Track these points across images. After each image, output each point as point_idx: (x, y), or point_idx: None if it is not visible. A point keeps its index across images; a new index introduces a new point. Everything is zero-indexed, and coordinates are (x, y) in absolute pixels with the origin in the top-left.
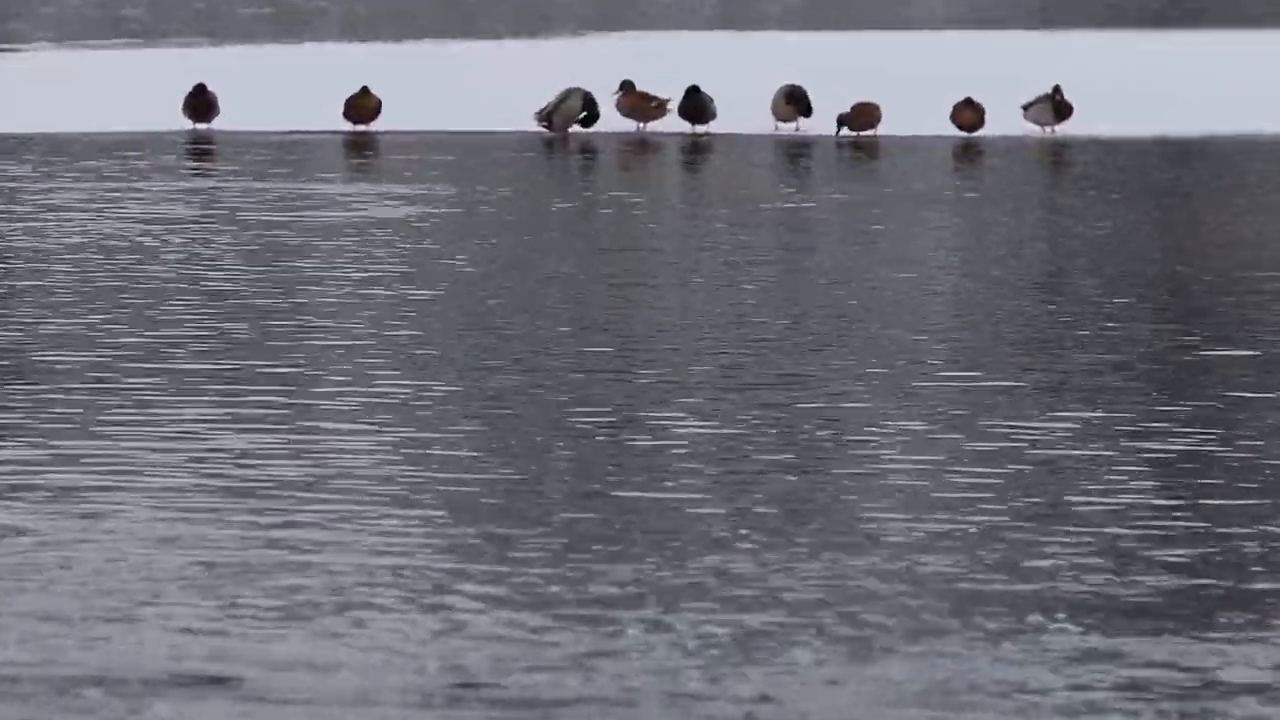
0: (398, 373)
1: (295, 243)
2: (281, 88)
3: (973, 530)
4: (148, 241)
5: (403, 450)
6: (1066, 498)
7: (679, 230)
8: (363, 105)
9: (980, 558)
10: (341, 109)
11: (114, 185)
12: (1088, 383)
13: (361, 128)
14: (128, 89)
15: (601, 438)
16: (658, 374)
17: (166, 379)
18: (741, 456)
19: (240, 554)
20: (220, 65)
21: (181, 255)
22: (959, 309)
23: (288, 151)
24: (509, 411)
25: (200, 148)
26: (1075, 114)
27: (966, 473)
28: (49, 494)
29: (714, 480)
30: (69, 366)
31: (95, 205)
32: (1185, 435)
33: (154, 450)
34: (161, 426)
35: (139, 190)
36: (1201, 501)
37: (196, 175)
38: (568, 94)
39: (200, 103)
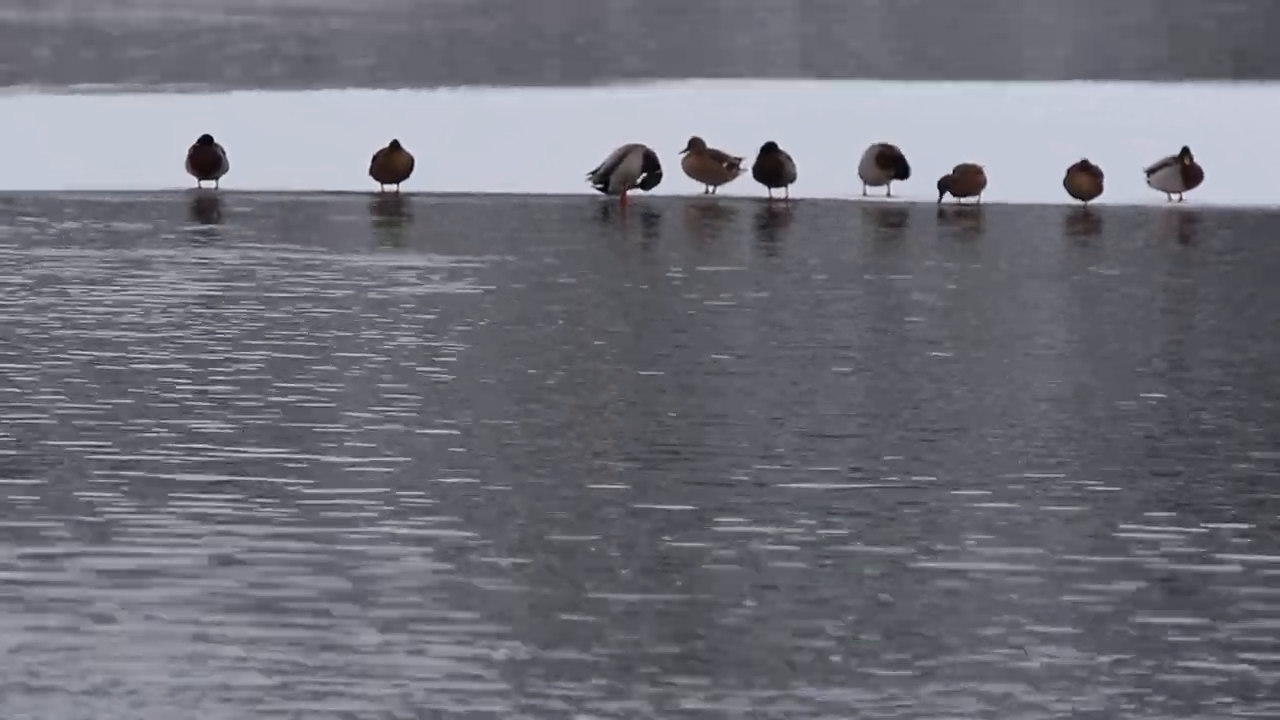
0: (426, 478)
1: (319, 321)
2: (297, 141)
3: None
4: (155, 320)
5: (442, 559)
6: (1199, 620)
7: (750, 318)
8: (393, 162)
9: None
10: (368, 166)
11: (116, 256)
12: (1205, 492)
13: (390, 188)
14: (125, 141)
15: (665, 546)
16: (735, 492)
17: (184, 469)
18: (828, 569)
19: (270, 677)
20: (227, 114)
21: (194, 335)
22: (1071, 413)
23: (305, 215)
24: (560, 516)
25: (207, 210)
26: (1206, 179)
27: (1093, 592)
28: (54, 600)
29: (809, 600)
30: (77, 458)
31: (98, 279)
32: None
33: (172, 547)
34: (178, 522)
35: (142, 262)
36: None
37: (205, 243)
38: (626, 151)
39: (206, 158)
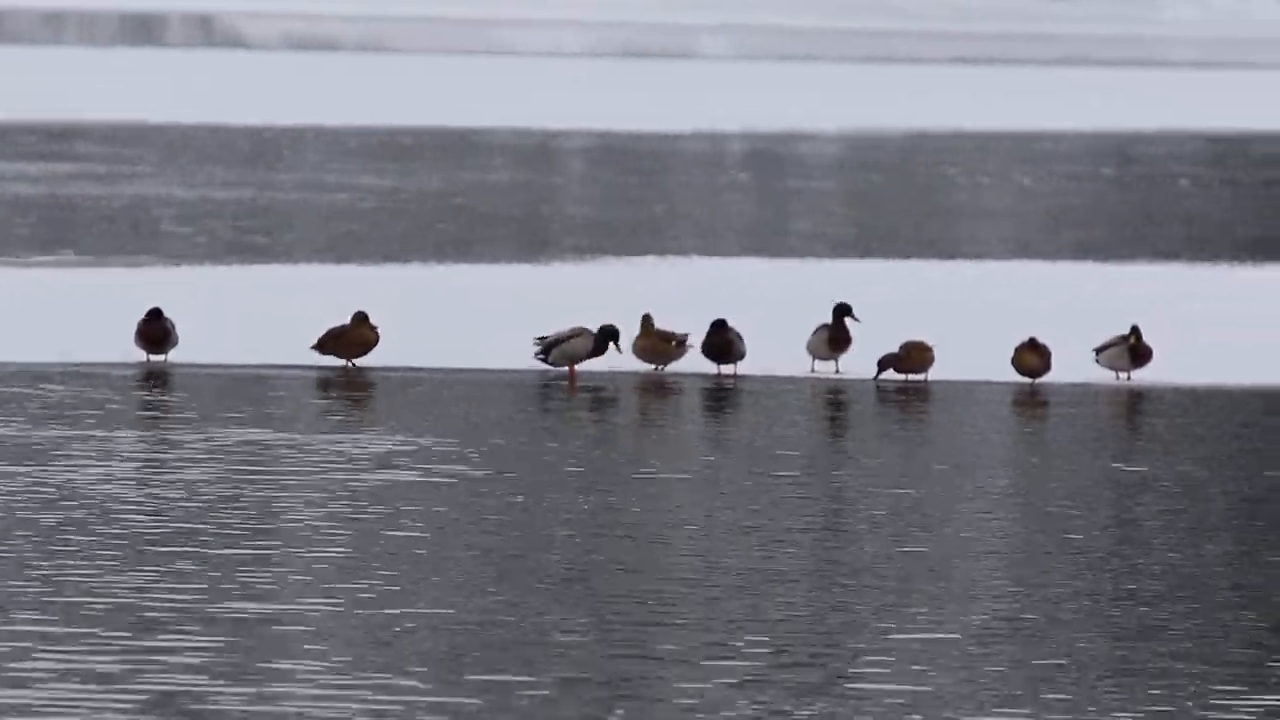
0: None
1: (263, 508)
2: (247, 314)
3: None
4: (99, 498)
5: None
6: None
7: (687, 510)
8: (358, 336)
9: None
10: (321, 340)
11: (57, 433)
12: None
13: (348, 361)
14: (68, 314)
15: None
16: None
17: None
18: None
19: None
20: (176, 286)
21: (133, 518)
22: (1007, 603)
23: (255, 389)
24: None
25: (156, 384)
26: (1156, 358)
27: None
28: None
29: None
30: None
31: (34, 457)
32: None
33: None
34: None
35: (85, 439)
36: None
37: (152, 421)
38: (579, 333)
39: (154, 331)
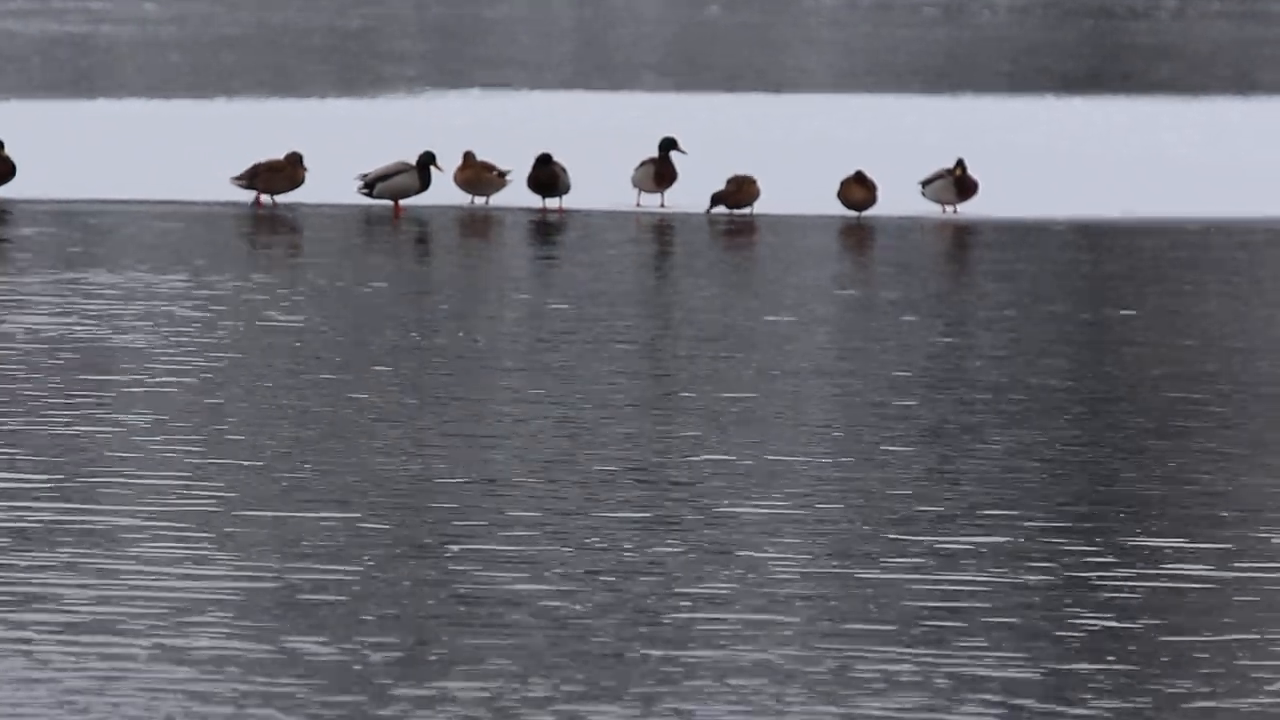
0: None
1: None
2: (79, 149)
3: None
4: None
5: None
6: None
7: (508, 333)
8: (292, 175)
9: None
10: (249, 171)
11: None
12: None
13: (273, 198)
14: None
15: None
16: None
17: None
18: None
19: None
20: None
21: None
22: (831, 422)
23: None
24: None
25: None
26: (980, 191)
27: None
28: None
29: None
30: None
31: None
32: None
33: None
34: None
35: None
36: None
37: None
38: (402, 169)
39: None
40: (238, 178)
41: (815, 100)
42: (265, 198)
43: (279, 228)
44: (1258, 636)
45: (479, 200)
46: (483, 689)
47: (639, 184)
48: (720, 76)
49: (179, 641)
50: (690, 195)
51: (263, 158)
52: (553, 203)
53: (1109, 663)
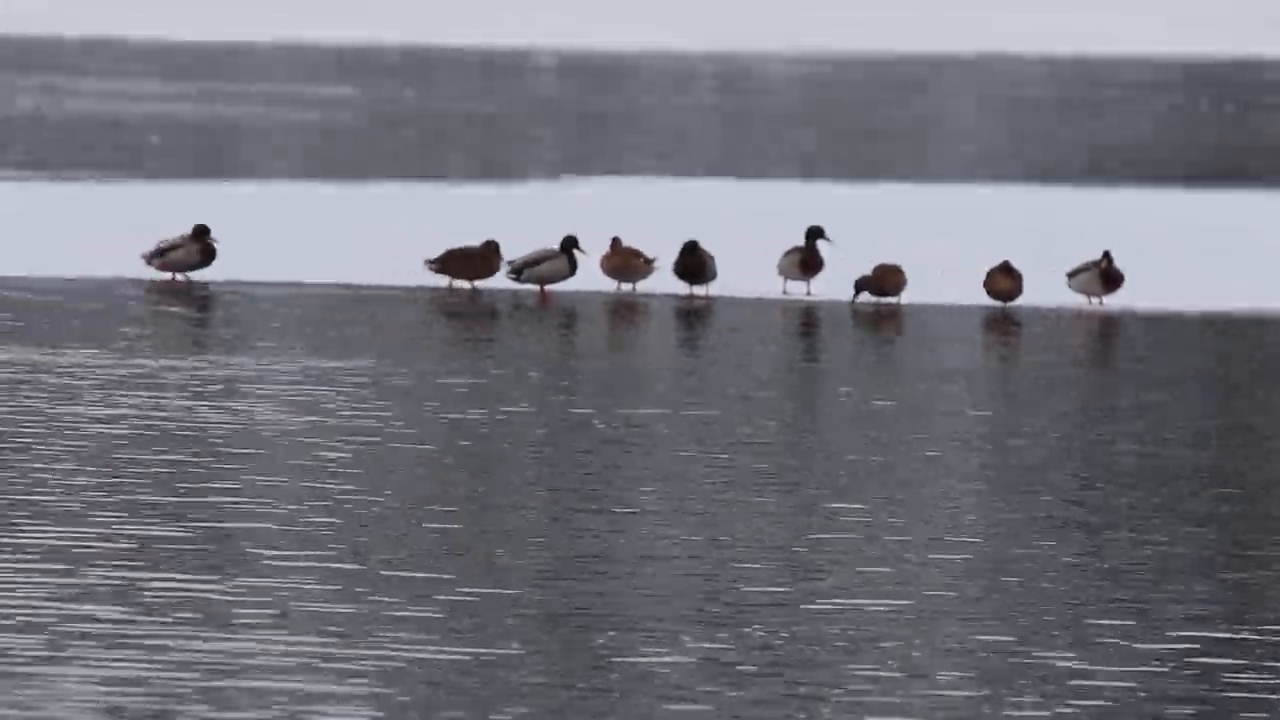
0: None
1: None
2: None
3: None
4: None
5: None
6: None
7: (662, 419)
8: (486, 262)
9: None
10: (442, 258)
11: None
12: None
13: (472, 284)
14: None
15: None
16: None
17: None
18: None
19: None
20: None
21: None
22: (972, 533)
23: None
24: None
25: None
26: (1127, 284)
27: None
28: None
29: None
30: None
31: None
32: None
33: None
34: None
35: None
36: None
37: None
38: (550, 255)
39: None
40: (431, 261)
41: (964, 191)
42: (460, 283)
43: (451, 311)
44: None
45: (625, 286)
46: None
47: (785, 272)
48: (865, 165)
49: None
50: (835, 284)
51: (455, 244)
52: (699, 290)
53: None
